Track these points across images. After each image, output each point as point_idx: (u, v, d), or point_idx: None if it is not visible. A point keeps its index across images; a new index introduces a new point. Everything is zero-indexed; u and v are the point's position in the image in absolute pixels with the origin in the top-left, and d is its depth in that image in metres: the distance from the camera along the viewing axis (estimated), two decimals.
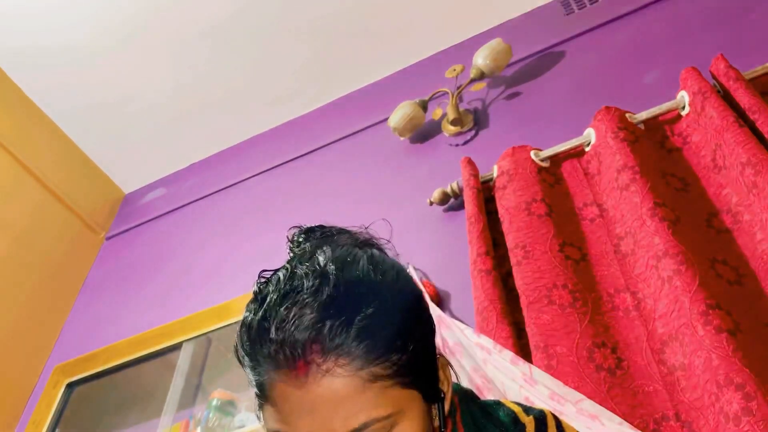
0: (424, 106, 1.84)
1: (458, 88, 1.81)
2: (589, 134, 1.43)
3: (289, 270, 0.59)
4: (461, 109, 1.84)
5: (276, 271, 0.61)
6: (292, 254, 0.65)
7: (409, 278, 0.63)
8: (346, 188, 1.90)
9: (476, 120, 1.83)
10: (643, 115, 1.40)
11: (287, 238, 0.68)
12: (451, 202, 1.58)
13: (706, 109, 1.29)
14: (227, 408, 1.55)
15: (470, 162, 1.52)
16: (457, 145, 1.79)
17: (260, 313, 0.55)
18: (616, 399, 1.03)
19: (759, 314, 1.04)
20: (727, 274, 1.10)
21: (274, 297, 0.56)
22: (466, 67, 1.83)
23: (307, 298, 0.54)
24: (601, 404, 1.01)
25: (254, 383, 0.57)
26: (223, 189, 2.24)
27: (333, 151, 2.09)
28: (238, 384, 1.68)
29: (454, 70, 1.82)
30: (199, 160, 2.44)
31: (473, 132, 1.80)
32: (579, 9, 1.95)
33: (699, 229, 1.19)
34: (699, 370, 0.95)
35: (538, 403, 1.00)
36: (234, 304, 1.72)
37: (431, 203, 1.58)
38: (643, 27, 1.78)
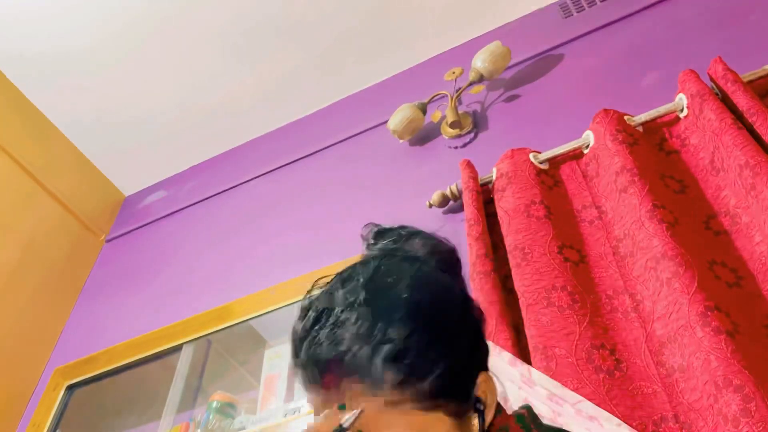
0: (423, 108, 1.85)
1: (457, 90, 1.82)
2: (588, 136, 1.43)
3: (329, 290, 0.60)
4: (460, 111, 1.85)
5: (328, 283, 0.62)
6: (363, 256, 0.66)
7: (456, 297, 0.62)
8: (346, 191, 1.90)
9: (475, 122, 1.83)
10: (642, 117, 1.40)
11: (361, 236, 0.69)
12: (451, 204, 1.58)
13: (704, 111, 1.29)
14: (227, 410, 1.55)
15: (469, 164, 1.53)
16: (456, 147, 1.79)
17: (298, 331, 0.59)
18: (615, 400, 1.03)
19: (758, 316, 1.04)
20: (725, 275, 1.10)
21: (312, 315, 0.58)
22: (465, 69, 1.84)
23: (335, 322, 0.55)
24: (600, 406, 1.02)
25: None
26: (223, 191, 2.24)
27: (332, 154, 2.09)
28: (238, 386, 1.69)
29: (453, 72, 1.83)
30: (199, 163, 2.45)
31: (472, 134, 1.80)
32: (577, 12, 1.96)
33: (698, 231, 1.19)
34: (698, 371, 0.95)
35: (537, 405, 1.01)
36: (234, 306, 1.72)
37: (430, 205, 1.58)
38: (642, 30, 1.78)
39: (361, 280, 0.58)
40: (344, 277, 0.60)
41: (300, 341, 0.57)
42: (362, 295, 0.56)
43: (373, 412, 0.53)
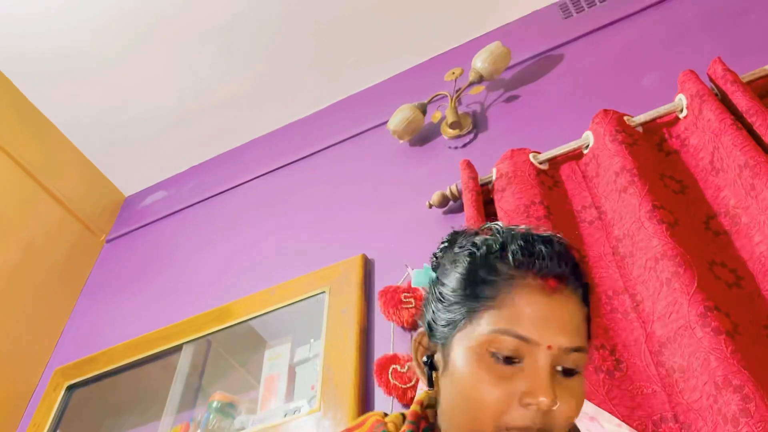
0: (423, 109, 1.85)
1: (457, 91, 1.82)
2: (588, 137, 1.44)
3: (527, 228, 0.70)
4: (460, 112, 1.85)
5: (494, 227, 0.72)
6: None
7: None
8: (345, 191, 1.91)
9: (475, 123, 1.83)
10: (641, 117, 1.41)
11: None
12: (450, 204, 1.58)
13: (703, 111, 1.29)
14: (227, 410, 1.55)
15: (469, 165, 1.53)
16: (456, 147, 1.79)
17: (524, 240, 0.67)
18: (614, 401, 1.03)
19: (757, 316, 1.05)
20: (725, 276, 1.10)
21: (533, 235, 0.68)
22: (465, 70, 1.84)
23: (558, 243, 0.68)
24: (599, 406, 1.02)
25: (489, 285, 0.65)
26: (223, 192, 2.24)
27: (332, 154, 2.09)
28: (238, 386, 1.69)
29: (453, 73, 1.83)
30: (200, 163, 2.45)
31: (472, 135, 1.80)
32: (577, 12, 1.96)
33: (697, 231, 1.19)
34: (697, 371, 0.95)
35: None
36: (234, 307, 1.72)
37: (430, 206, 1.58)
38: (641, 30, 1.78)
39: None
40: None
41: (530, 242, 0.66)
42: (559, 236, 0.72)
43: (582, 317, 0.67)
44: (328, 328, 1.48)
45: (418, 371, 0.71)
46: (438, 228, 1.58)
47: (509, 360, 0.61)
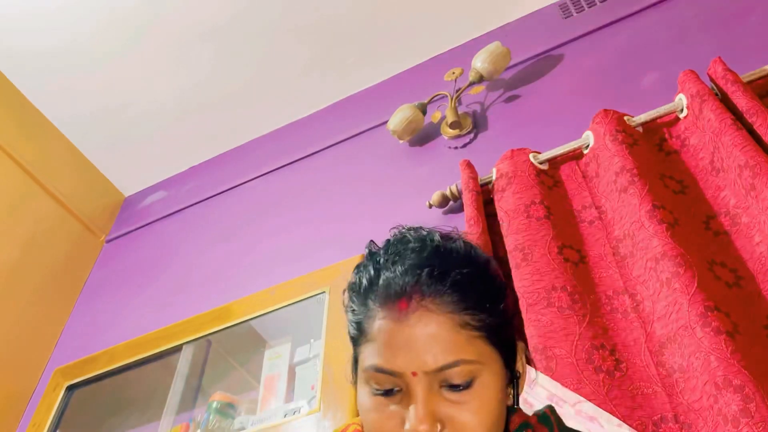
0: (423, 109, 1.85)
1: (457, 91, 1.82)
2: (588, 137, 1.44)
3: (399, 236, 0.68)
4: (460, 112, 1.85)
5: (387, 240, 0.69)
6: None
7: (497, 267, 0.70)
8: (346, 191, 1.91)
9: (475, 123, 1.83)
10: (642, 117, 1.41)
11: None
12: (450, 204, 1.58)
13: (704, 111, 1.29)
14: (227, 410, 1.55)
15: (469, 165, 1.53)
16: (456, 147, 1.79)
17: (373, 264, 0.65)
18: (615, 401, 1.03)
19: (757, 316, 1.05)
20: (725, 276, 1.10)
21: (387, 251, 0.65)
22: (465, 70, 1.84)
23: (411, 253, 0.63)
24: (600, 406, 1.02)
25: (356, 326, 0.65)
26: (223, 192, 2.24)
27: (332, 154, 2.09)
28: (238, 386, 1.69)
29: (453, 73, 1.83)
30: (199, 163, 2.45)
31: (472, 135, 1.80)
32: (577, 12, 1.96)
33: (697, 231, 1.19)
34: (698, 371, 0.95)
35: (537, 405, 1.01)
36: (234, 307, 1.72)
37: (430, 206, 1.58)
38: (641, 30, 1.78)
39: (425, 233, 0.68)
40: (409, 232, 0.69)
41: (376, 273, 0.64)
42: (433, 241, 0.66)
43: (449, 329, 0.61)
44: (328, 328, 1.48)
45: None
46: (438, 228, 1.58)
47: (389, 392, 0.60)
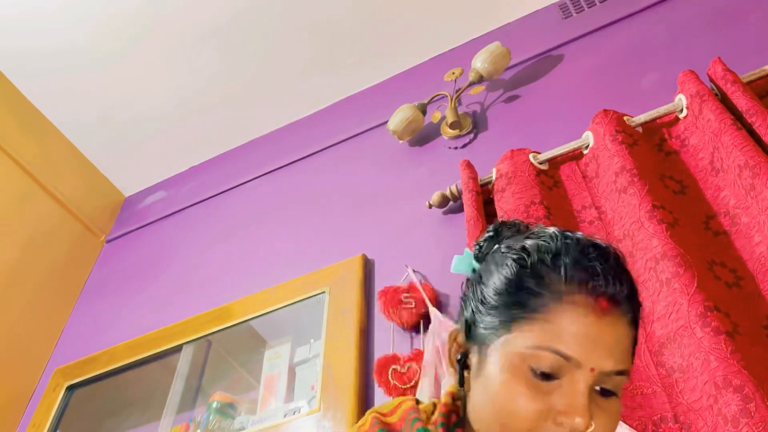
0: (423, 109, 1.85)
1: (457, 91, 1.82)
2: (588, 137, 1.44)
3: (584, 237, 0.67)
4: (460, 112, 1.85)
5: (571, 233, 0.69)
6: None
7: None
8: (346, 191, 1.91)
9: (475, 123, 1.83)
10: (641, 118, 1.41)
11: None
12: (450, 204, 1.58)
13: (703, 111, 1.29)
14: (227, 410, 1.55)
15: (469, 165, 1.53)
16: (455, 148, 1.79)
17: (581, 253, 0.64)
18: None
19: (757, 316, 1.05)
20: (725, 276, 1.10)
21: (591, 249, 0.65)
22: (465, 70, 1.84)
23: (614, 260, 0.65)
24: None
25: (536, 297, 0.62)
26: (223, 192, 2.24)
27: (332, 154, 2.09)
28: (238, 386, 1.69)
29: (453, 73, 1.83)
30: (199, 163, 2.45)
31: (472, 135, 1.80)
32: (577, 12, 1.96)
33: (697, 231, 1.19)
34: (697, 371, 0.95)
35: None
36: (234, 307, 1.72)
37: (430, 206, 1.58)
38: (641, 30, 1.78)
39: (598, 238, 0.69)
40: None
41: (587, 257, 0.64)
42: (617, 251, 0.68)
43: (630, 340, 0.65)
44: (328, 328, 1.48)
45: (450, 369, 0.71)
46: (438, 228, 1.58)
47: (547, 376, 0.60)
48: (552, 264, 0.63)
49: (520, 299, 0.63)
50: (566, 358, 0.60)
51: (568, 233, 0.67)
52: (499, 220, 1.38)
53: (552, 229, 0.68)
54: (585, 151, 1.44)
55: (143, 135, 2.33)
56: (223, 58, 2.15)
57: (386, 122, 1.90)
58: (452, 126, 1.80)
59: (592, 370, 0.60)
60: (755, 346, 0.98)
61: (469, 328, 0.68)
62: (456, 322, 0.72)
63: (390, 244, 1.62)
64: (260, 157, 2.27)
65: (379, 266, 1.60)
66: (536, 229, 0.70)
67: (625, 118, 1.40)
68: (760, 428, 0.86)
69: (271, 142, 2.31)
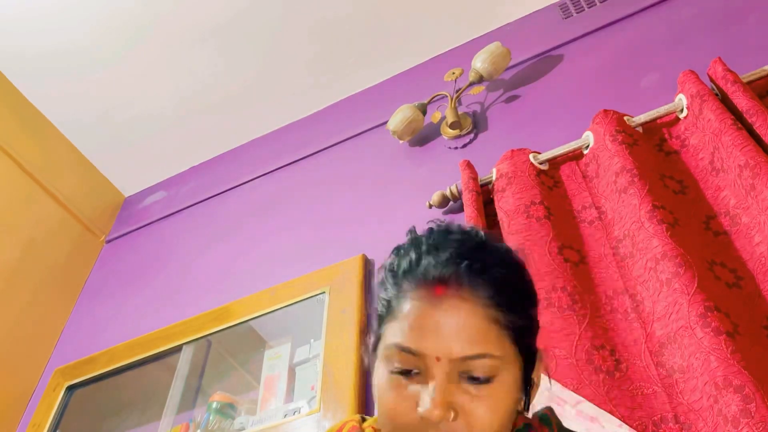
0: (423, 109, 1.85)
1: (457, 91, 1.82)
2: (588, 137, 1.44)
3: (443, 226, 0.68)
4: (460, 112, 1.85)
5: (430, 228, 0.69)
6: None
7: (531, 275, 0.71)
8: (346, 191, 1.91)
9: (475, 123, 1.83)
10: (642, 118, 1.41)
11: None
12: (451, 204, 1.58)
13: (704, 111, 1.29)
14: (227, 411, 1.55)
15: (469, 165, 1.53)
16: (456, 148, 1.79)
17: (414, 249, 0.64)
18: (615, 401, 1.03)
19: (757, 316, 1.05)
20: (725, 276, 1.10)
21: (429, 238, 0.65)
22: (465, 70, 1.84)
23: (455, 243, 0.63)
24: (600, 406, 1.02)
25: (385, 304, 0.65)
26: (222, 192, 2.24)
27: (332, 154, 2.09)
28: (238, 387, 1.69)
29: (453, 73, 1.83)
30: (199, 163, 2.45)
31: (472, 135, 1.80)
32: (577, 13, 1.96)
33: (697, 231, 1.19)
34: (698, 372, 0.95)
35: (537, 406, 1.01)
36: (234, 307, 1.72)
37: (430, 206, 1.58)
38: (641, 30, 1.78)
39: (469, 228, 0.69)
40: (453, 225, 0.69)
41: (417, 255, 0.64)
42: (477, 236, 0.67)
43: (479, 320, 0.61)
44: (328, 328, 1.48)
45: None
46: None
47: (406, 372, 0.60)
48: (398, 263, 0.65)
49: (380, 305, 0.66)
50: (410, 352, 0.60)
51: (433, 229, 0.68)
52: (499, 220, 1.38)
53: (414, 233, 0.69)
54: (585, 151, 1.44)
55: (143, 135, 2.33)
56: (223, 59, 2.15)
57: (386, 122, 1.90)
58: (452, 126, 1.80)
59: (438, 359, 0.59)
60: (755, 347, 0.98)
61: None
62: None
63: (390, 244, 1.61)
64: (260, 157, 2.27)
65: (379, 266, 1.60)
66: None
67: (625, 118, 1.40)
68: (760, 428, 0.86)
69: (271, 142, 2.31)
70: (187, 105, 2.25)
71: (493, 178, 1.48)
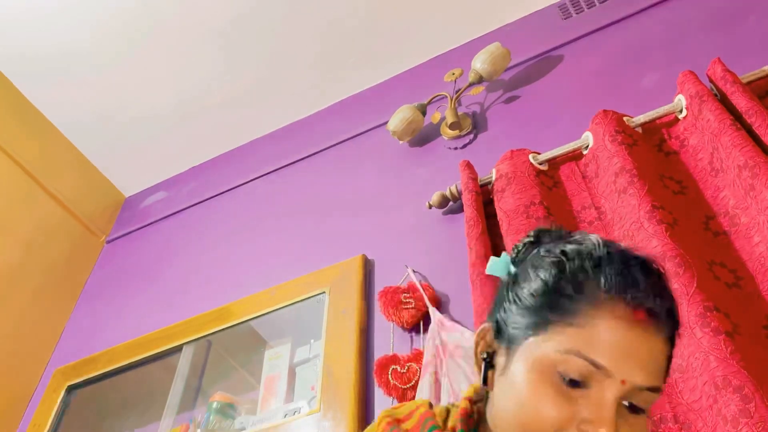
0: (422, 109, 1.85)
1: (457, 92, 1.82)
2: (587, 137, 1.44)
3: (626, 249, 0.66)
4: (460, 112, 1.85)
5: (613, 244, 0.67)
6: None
7: None
8: (346, 191, 1.91)
9: (475, 123, 1.83)
10: (641, 118, 1.41)
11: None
12: (450, 205, 1.58)
13: (703, 112, 1.29)
14: (227, 411, 1.55)
15: (469, 165, 1.53)
16: (455, 148, 1.79)
17: (619, 255, 0.63)
18: None
19: (757, 316, 1.05)
20: (724, 276, 1.10)
21: (630, 252, 0.65)
22: (465, 71, 1.84)
23: (655, 275, 0.64)
24: None
25: (572, 301, 0.61)
26: (223, 192, 2.24)
27: (332, 155, 2.09)
28: (238, 387, 1.69)
29: (453, 74, 1.83)
30: (200, 164, 2.45)
31: (472, 135, 1.80)
32: (577, 13, 1.96)
33: (697, 231, 1.19)
34: (697, 371, 0.95)
35: None
36: (234, 307, 1.72)
37: (430, 206, 1.58)
38: (641, 31, 1.78)
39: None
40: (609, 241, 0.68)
41: (629, 268, 0.63)
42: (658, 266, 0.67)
43: (665, 357, 0.63)
44: (328, 328, 1.48)
45: (475, 366, 0.69)
46: (438, 229, 1.58)
47: (575, 383, 0.59)
48: (592, 270, 0.62)
49: (556, 302, 0.62)
50: (597, 366, 0.58)
51: (611, 242, 0.66)
52: (499, 220, 1.38)
53: (594, 236, 0.66)
54: (585, 152, 1.44)
55: (143, 135, 2.33)
56: (224, 59, 2.15)
57: (386, 123, 1.90)
58: (452, 126, 1.80)
59: (624, 382, 0.58)
60: (755, 346, 0.98)
61: (500, 327, 0.67)
62: (487, 320, 0.71)
63: (390, 245, 1.63)
64: (260, 157, 2.27)
65: (379, 266, 1.60)
66: (577, 236, 0.68)
67: (624, 118, 1.40)
68: (760, 428, 0.86)
69: (272, 143, 2.31)
70: (187, 105, 2.25)
71: (493, 178, 1.48)
